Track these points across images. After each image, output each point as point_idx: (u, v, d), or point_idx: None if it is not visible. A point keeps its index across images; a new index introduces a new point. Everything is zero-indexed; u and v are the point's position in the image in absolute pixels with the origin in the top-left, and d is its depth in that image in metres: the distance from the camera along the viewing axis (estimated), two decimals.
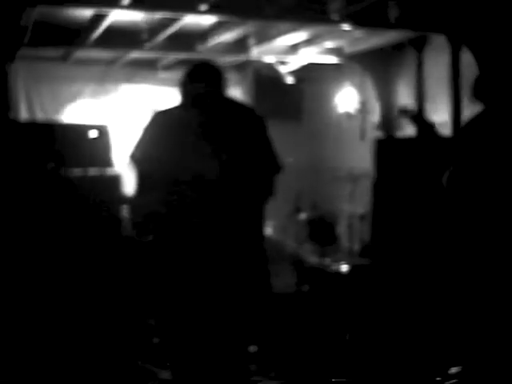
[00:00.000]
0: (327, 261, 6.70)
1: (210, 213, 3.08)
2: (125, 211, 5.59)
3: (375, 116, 7.59)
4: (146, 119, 3.25)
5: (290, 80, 7.77)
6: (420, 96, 6.82)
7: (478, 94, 3.41)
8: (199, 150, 3.09)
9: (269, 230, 6.67)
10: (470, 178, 3.32)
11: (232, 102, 3.36)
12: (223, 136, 3.16)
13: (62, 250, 5.27)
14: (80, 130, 5.75)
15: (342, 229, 7.37)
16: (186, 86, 3.27)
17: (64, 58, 7.27)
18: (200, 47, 6.70)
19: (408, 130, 6.85)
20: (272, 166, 3.29)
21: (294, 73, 7.75)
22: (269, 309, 3.46)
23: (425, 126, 3.81)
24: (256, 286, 3.19)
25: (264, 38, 6.61)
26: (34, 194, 5.35)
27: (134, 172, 3.23)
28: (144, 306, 4.84)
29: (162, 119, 3.24)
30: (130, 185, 3.36)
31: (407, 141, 6.45)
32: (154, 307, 3.67)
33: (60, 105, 7.57)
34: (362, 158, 7.11)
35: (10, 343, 4.39)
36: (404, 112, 4.21)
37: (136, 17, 5.71)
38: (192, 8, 5.22)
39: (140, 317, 4.88)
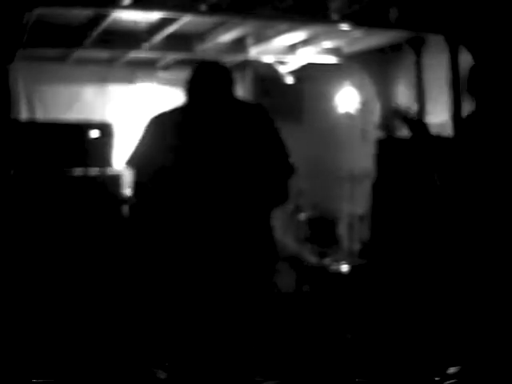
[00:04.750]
0: (327, 261, 6.71)
1: (217, 218, 2.96)
2: (126, 214, 5.58)
3: (375, 116, 7.59)
4: (145, 120, 3.15)
5: (289, 80, 7.77)
6: (419, 96, 6.83)
7: (471, 89, 3.38)
8: (205, 154, 2.97)
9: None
10: (466, 176, 3.32)
11: (241, 103, 3.24)
12: (232, 139, 3.03)
13: (62, 249, 5.28)
14: (81, 130, 5.76)
15: (342, 229, 7.38)
16: (192, 86, 3.15)
17: (64, 58, 7.27)
18: (199, 47, 6.70)
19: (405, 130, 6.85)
20: (284, 168, 3.12)
21: (293, 73, 7.75)
22: (269, 309, 3.44)
23: (418, 128, 3.77)
24: (260, 293, 3.12)
25: (262, 37, 6.62)
26: (34, 193, 5.35)
27: (133, 177, 3.10)
28: (145, 308, 4.84)
29: (162, 122, 3.11)
30: (130, 187, 3.25)
31: (408, 141, 6.45)
32: (155, 309, 3.66)
33: (60, 105, 7.57)
34: (362, 158, 7.11)
35: (12, 344, 4.39)
36: (397, 113, 4.18)
37: (136, 17, 5.71)
38: (191, 8, 5.23)
39: (141, 317, 4.88)
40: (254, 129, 3.11)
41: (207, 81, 3.14)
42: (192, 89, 3.16)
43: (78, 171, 5.64)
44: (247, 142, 3.05)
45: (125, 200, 5.56)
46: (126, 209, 5.55)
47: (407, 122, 3.82)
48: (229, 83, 3.18)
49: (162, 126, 3.10)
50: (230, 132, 3.06)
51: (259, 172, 3.04)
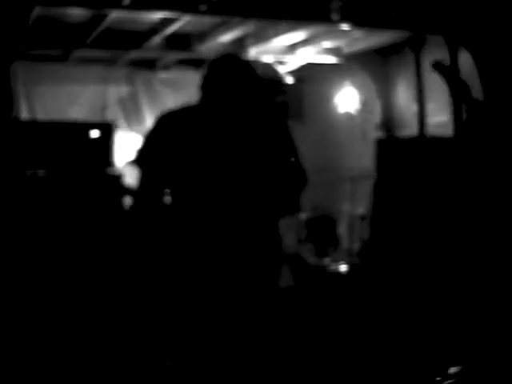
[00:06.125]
0: (327, 261, 6.71)
1: (225, 223, 2.86)
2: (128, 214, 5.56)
3: (376, 116, 7.59)
4: (145, 120, 3.06)
5: (289, 80, 7.77)
6: (419, 96, 6.83)
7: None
8: (216, 157, 2.82)
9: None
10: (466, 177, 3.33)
11: (259, 105, 3.01)
12: (246, 143, 2.87)
13: (61, 249, 5.28)
14: (81, 130, 5.76)
15: (342, 229, 7.37)
16: (207, 83, 2.91)
17: (64, 58, 7.27)
18: (199, 47, 6.71)
19: (409, 129, 6.87)
20: (298, 179, 3.00)
21: (293, 73, 7.75)
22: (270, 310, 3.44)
23: (458, 84, 3.67)
24: (262, 295, 3.05)
25: (262, 37, 6.62)
26: (34, 193, 5.35)
27: (140, 177, 2.94)
28: (147, 307, 4.84)
29: (171, 121, 2.93)
30: (135, 187, 3.13)
31: (408, 141, 6.47)
32: (158, 309, 3.65)
33: (60, 105, 7.56)
34: (362, 158, 7.11)
35: (12, 345, 4.39)
36: (437, 66, 3.99)
37: (136, 17, 5.72)
38: (191, 8, 5.23)
39: (142, 315, 4.88)
40: (270, 135, 2.95)
41: (225, 78, 2.92)
42: (207, 86, 2.94)
43: (78, 171, 5.64)
44: (262, 149, 2.91)
45: (127, 200, 5.56)
46: (128, 209, 5.55)
47: (445, 76, 3.70)
48: (248, 82, 2.95)
49: (171, 125, 2.92)
50: (245, 137, 2.90)
51: (272, 180, 2.93)
